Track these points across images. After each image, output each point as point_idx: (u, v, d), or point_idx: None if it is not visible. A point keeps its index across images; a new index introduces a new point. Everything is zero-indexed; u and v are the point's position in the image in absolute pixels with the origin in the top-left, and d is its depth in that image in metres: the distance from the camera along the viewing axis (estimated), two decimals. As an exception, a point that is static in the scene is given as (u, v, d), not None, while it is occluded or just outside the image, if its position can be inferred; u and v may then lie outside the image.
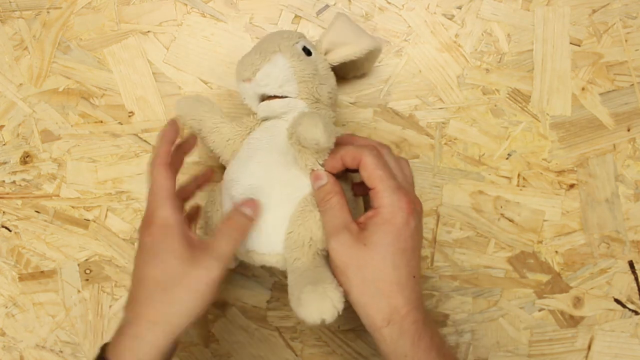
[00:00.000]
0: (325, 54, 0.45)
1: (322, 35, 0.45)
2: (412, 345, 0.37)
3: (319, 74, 0.43)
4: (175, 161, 0.41)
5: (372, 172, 0.38)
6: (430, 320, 0.39)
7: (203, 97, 0.46)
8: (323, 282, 0.37)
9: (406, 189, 0.39)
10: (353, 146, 0.39)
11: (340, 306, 0.37)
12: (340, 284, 0.38)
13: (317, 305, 0.36)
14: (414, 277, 0.38)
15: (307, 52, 0.43)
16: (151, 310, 0.37)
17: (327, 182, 0.40)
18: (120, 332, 0.37)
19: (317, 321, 0.36)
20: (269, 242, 0.41)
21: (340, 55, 0.45)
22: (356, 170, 0.40)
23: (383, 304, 0.37)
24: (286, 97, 0.42)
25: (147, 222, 0.38)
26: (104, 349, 0.38)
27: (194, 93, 0.54)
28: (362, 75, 0.53)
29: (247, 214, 0.39)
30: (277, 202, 0.41)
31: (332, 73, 0.45)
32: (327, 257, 0.41)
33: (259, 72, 0.41)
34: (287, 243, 0.41)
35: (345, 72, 0.51)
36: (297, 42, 0.43)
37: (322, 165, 0.40)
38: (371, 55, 0.47)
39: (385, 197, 0.38)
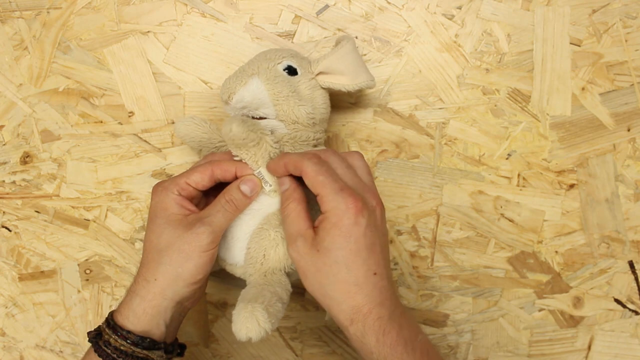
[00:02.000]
0: (318, 74, 0.45)
1: (322, 57, 0.45)
2: (376, 342, 0.37)
3: (298, 94, 0.43)
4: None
5: (313, 179, 0.38)
6: (399, 314, 0.38)
7: (200, 119, 0.47)
8: (255, 301, 0.38)
9: (352, 188, 0.38)
10: (295, 154, 0.40)
11: (267, 326, 0.37)
12: (306, 288, 0.39)
13: (243, 323, 0.37)
14: (375, 274, 0.38)
15: (292, 71, 0.44)
16: (145, 269, 0.41)
17: (288, 188, 0.40)
18: (126, 293, 0.42)
19: (243, 339, 0.37)
20: (234, 255, 0.43)
21: (332, 82, 0.45)
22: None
23: (344, 305, 0.38)
24: (265, 118, 0.44)
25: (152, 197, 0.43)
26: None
27: (194, 91, 0.54)
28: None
29: (244, 191, 0.41)
30: (245, 216, 0.43)
31: (320, 92, 0.45)
32: (284, 277, 0.42)
33: (234, 96, 0.43)
34: (245, 258, 0.43)
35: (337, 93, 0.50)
36: (280, 63, 0.44)
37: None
38: (362, 89, 0.47)
39: (329, 201, 0.37)
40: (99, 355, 0.40)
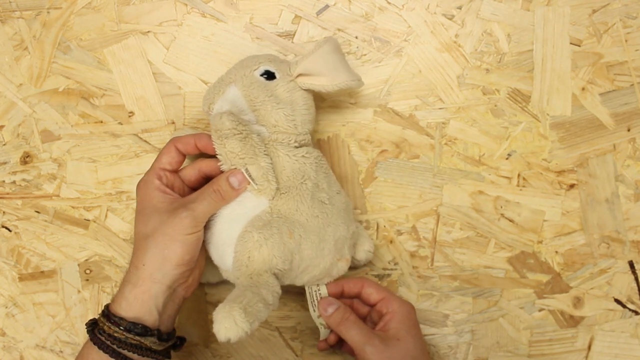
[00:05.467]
0: (297, 76, 0.45)
1: (300, 59, 0.45)
2: None
3: (276, 98, 0.44)
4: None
5: (378, 287, 0.47)
6: None
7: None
8: (233, 302, 0.38)
9: None
10: (353, 277, 0.49)
11: (244, 326, 0.37)
12: None
13: (221, 323, 0.37)
14: None
15: (270, 75, 0.45)
16: (135, 257, 0.42)
17: (341, 305, 0.46)
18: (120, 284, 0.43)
19: (222, 339, 0.37)
20: (225, 260, 0.44)
21: (311, 83, 0.45)
22: (353, 297, 0.49)
23: None
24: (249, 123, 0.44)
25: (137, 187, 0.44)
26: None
27: (194, 91, 0.54)
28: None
29: (232, 183, 0.42)
30: (230, 220, 0.43)
31: (300, 94, 0.45)
32: (271, 278, 0.42)
33: (214, 106, 0.44)
34: (232, 262, 0.43)
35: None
36: (256, 69, 0.45)
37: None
38: (346, 89, 0.47)
39: (396, 300, 0.46)
40: (94, 344, 0.41)
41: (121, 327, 0.40)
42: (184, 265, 0.42)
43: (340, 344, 0.49)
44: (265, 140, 0.44)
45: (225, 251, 0.43)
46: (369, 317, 0.49)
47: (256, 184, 0.42)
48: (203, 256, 0.46)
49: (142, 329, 0.40)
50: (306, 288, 0.47)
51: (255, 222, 0.42)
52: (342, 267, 0.47)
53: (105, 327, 0.40)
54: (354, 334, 0.44)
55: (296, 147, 0.45)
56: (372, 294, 0.47)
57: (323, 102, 0.53)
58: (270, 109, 0.44)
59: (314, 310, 0.47)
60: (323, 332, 0.48)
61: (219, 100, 0.44)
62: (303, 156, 0.44)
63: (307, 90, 0.46)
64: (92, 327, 0.42)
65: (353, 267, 0.50)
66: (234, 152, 0.41)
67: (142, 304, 0.41)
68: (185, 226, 0.41)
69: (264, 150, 0.42)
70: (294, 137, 0.44)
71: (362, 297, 0.48)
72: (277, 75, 0.45)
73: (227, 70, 0.46)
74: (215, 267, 0.49)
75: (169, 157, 0.44)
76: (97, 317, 0.42)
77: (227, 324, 0.37)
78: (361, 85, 0.48)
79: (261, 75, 0.45)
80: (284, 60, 0.47)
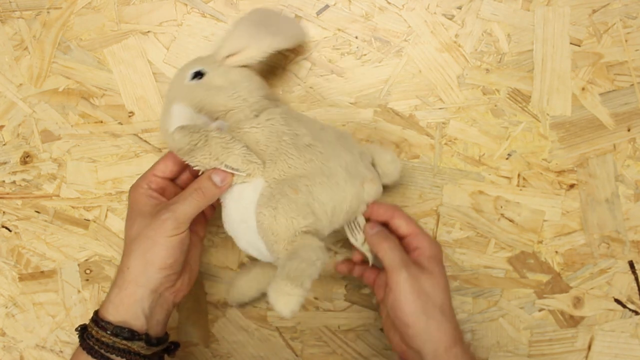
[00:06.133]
0: (226, 59, 0.45)
1: (220, 44, 0.46)
2: None
3: (215, 88, 0.44)
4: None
5: (409, 220, 0.45)
6: None
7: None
8: (277, 278, 0.38)
9: None
10: (384, 203, 0.46)
11: (297, 291, 0.37)
12: (406, 316, 0.41)
13: (277, 302, 0.37)
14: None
15: (200, 74, 0.45)
16: (121, 261, 0.42)
17: (380, 229, 0.45)
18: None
19: (289, 315, 0.37)
20: (262, 251, 0.44)
21: (240, 60, 0.45)
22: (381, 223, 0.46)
23: (449, 325, 0.41)
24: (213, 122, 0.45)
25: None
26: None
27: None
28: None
29: (215, 181, 0.42)
30: (244, 218, 0.44)
31: (236, 71, 0.45)
32: (305, 238, 0.42)
33: (176, 135, 0.42)
34: (266, 247, 0.43)
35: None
36: (186, 77, 0.45)
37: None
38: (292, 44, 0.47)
39: (427, 237, 0.44)
40: (84, 349, 0.41)
41: (108, 332, 0.40)
42: (167, 269, 0.41)
43: (362, 272, 0.48)
44: (228, 128, 0.44)
45: (258, 245, 0.43)
46: None
47: (242, 172, 0.42)
48: (196, 261, 0.46)
49: (128, 333, 0.40)
50: (345, 226, 0.46)
51: (261, 201, 0.42)
52: (372, 189, 0.45)
53: (94, 332, 0.40)
54: (394, 254, 0.42)
55: (256, 116, 0.45)
56: (401, 225, 0.45)
57: (323, 101, 0.53)
58: (214, 99, 0.44)
59: (356, 240, 0.46)
60: (371, 258, 0.46)
61: (171, 124, 0.44)
62: (267, 120, 0.44)
63: (242, 66, 0.46)
64: (82, 332, 0.42)
65: (389, 186, 0.50)
66: (205, 158, 0.42)
67: (128, 308, 0.41)
68: (166, 228, 0.40)
69: (231, 139, 0.42)
70: (248, 109, 0.44)
71: (391, 227, 0.46)
72: (205, 70, 0.45)
73: (166, 92, 0.47)
74: (239, 294, 0.50)
75: (164, 166, 0.44)
76: (87, 322, 0.42)
77: (282, 299, 0.37)
78: (300, 38, 0.48)
79: (192, 79, 0.45)
80: (209, 54, 0.47)
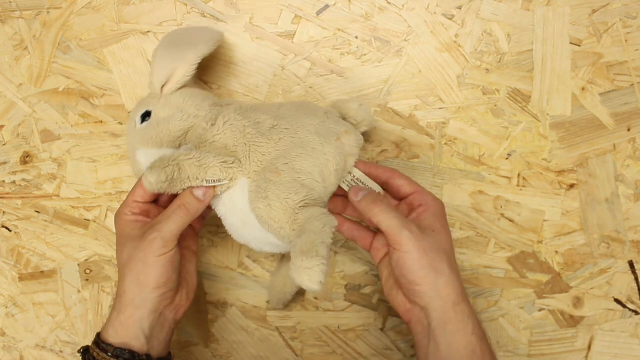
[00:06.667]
0: (162, 90, 0.46)
1: (150, 80, 0.46)
2: (478, 324, 0.41)
3: (163, 121, 0.45)
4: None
5: (410, 180, 0.45)
6: None
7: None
8: (292, 258, 0.38)
9: None
10: (382, 165, 0.46)
11: (315, 261, 0.37)
12: (412, 273, 0.41)
13: (302, 280, 0.37)
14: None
15: (146, 115, 0.46)
16: (118, 286, 0.43)
17: (371, 190, 0.44)
18: None
19: (318, 288, 0.37)
20: (277, 244, 0.45)
21: (174, 86, 0.46)
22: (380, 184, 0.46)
23: (456, 281, 0.41)
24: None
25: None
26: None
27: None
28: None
29: (197, 195, 0.42)
30: (244, 223, 0.44)
31: (176, 94, 0.46)
32: (305, 213, 0.42)
33: (149, 178, 0.42)
34: (277, 238, 0.43)
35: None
36: (136, 124, 0.46)
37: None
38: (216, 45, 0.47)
39: (429, 194, 0.44)
40: None
41: (109, 354, 0.41)
42: (162, 287, 0.42)
43: (356, 236, 0.47)
44: (193, 147, 0.45)
45: (269, 239, 0.44)
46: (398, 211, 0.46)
47: (225, 180, 0.43)
48: (192, 276, 0.47)
49: (129, 355, 0.41)
50: (342, 184, 0.45)
51: (252, 197, 0.43)
52: (350, 139, 0.45)
53: (95, 354, 0.41)
54: (389, 217, 0.41)
55: (212, 124, 0.45)
56: (403, 185, 0.45)
57: (323, 101, 0.53)
58: (168, 129, 0.45)
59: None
60: None
61: (142, 170, 0.45)
62: (224, 123, 0.44)
63: (180, 89, 0.46)
64: (84, 354, 0.43)
65: (369, 132, 0.50)
66: (186, 183, 0.42)
67: (128, 330, 0.41)
68: (155, 248, 0.41)
69: (201, 154, 0.43)
70: (203, 122, 0.45)
71: (391, 188, 0.45)
72: (150, 108, 0.46)
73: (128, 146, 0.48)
74: (279, 293, 0.51)
75: (142, 191, 0.44)
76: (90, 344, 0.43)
77: (304, 275, 0.37)
78: (217, 38, 0.48)
79: (142, 123, 0.46)
80: (148, 94, 0.48)
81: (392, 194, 0.46)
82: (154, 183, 0.41)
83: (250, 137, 0.44)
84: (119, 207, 0.45)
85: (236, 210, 0.44)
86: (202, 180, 0.42)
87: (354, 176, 0.46)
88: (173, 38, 0.48)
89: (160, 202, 0.46)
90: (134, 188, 0.44)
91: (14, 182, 0.56)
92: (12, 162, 0.56)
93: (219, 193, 0.44)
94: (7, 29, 0.55)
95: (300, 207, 0.42)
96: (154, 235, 0.41)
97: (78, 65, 0.55)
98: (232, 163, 0.43)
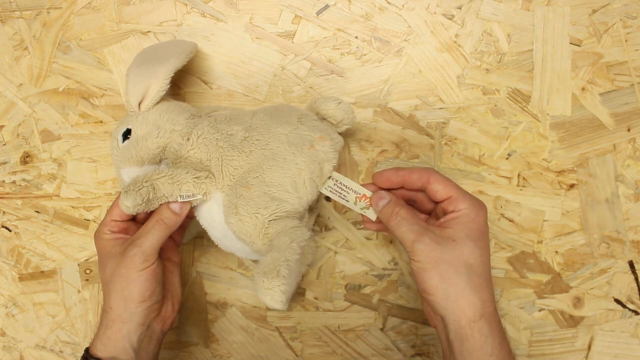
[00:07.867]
0: (139, 108, 0.46)
1: (126, 99, 0.46)
2: (499, 345, 0.39)
3: (142, 137, 0.45)
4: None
5: (446, 183, 0.42)
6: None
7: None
8: (255, 276, 0.38)
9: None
10: (417, 168, 0.44)
11: (274, 282, 0.37)
12: (424, 283, 0.40)
13: (266, 300, 0.37)
14: (490, 275, 0.41)
15: (127, 132, 0.46)
16: (104, 302, 0.44)
17: (391, 199, 0.43)
18: None
19: (281, 307, 0.38)
20: (253, 255, 0.45)
21: (150, 104, 0.46)
22: (417, 191, 0.45)
23: (474, 297, 0.39)
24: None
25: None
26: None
27: (194, 92, 0.54)
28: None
29: (173, 209, 0.43)
30: (224, 235, 0.45)
31: (153, 110, 0.46)
32: (275, 226, 0.42)
33: (125, 202, 0.42)
34: (252, 250, 0.44)
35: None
36: (118, 144, 0.46)
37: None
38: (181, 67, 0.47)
39: (466, 199, 0.41)
40: None
41: None
42: (147, 301, 0.43)
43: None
44: (170, 162, 0.45)
45: (247, 249, 0.44)
46: (434, 214, 0.45)
47: (199, 194, 0.43)
48: (176, 287, 0.48)
49: None
50: (323, 191, 0.45)
51: (225, 212, 0.43)
52: (324, 145, 0.44)
53: None
54: (403, 229, 0.41)
55: (187, 139, 0.45)
56: (438, 191, 0.42)
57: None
58: (146, 147, 0.45)
59: (347, 201, 0.45)
60: (370, 214, 0.45)
61: (128, 189, 0.45)
62: (198, 137, 0.44)
63: (156, 104, 0.46)
64: None
65: (348, 130, 0.49)
66: (162, 201, 0.43)
67: (116, 344, 0.42)
68: (136, 263, 0.42)
69: (173, 171, 0.43)
70: (179, 137, 0.45)
71: (428, 192, 0.44)
72: (129, 126, 0.46)
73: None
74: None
75: (119, 210, 0.44)
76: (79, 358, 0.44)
77: (266, 295, 0.37)
78: (190, 49, 0.48)
79: (123, 142, 0.46)
80: (126, 114, 0.48)
81: (430, 198, 0.44)
82: (131, 207, 0.41)
83: (223, 151, 0.44)
84: (97, 227, 0.46)
85: (215, 223, 0.44)
86: (177, 197, 0.43)
87: (337, 180, 0.45)
88: (145, 55, 0.48)
89: (138, 219, 0.47)
90: (111, 207, 0.45)
91: (14, 182, 0.56)
92: (12, 162, 0.56)
93: (196, 204, 0.44)
94: (7, 29, 0.55)
95: (270, 220, 0.42)
96: (134, 250, 0.42)
97: (78, 65, 0.55)
98: (205, 178, 0.43)
